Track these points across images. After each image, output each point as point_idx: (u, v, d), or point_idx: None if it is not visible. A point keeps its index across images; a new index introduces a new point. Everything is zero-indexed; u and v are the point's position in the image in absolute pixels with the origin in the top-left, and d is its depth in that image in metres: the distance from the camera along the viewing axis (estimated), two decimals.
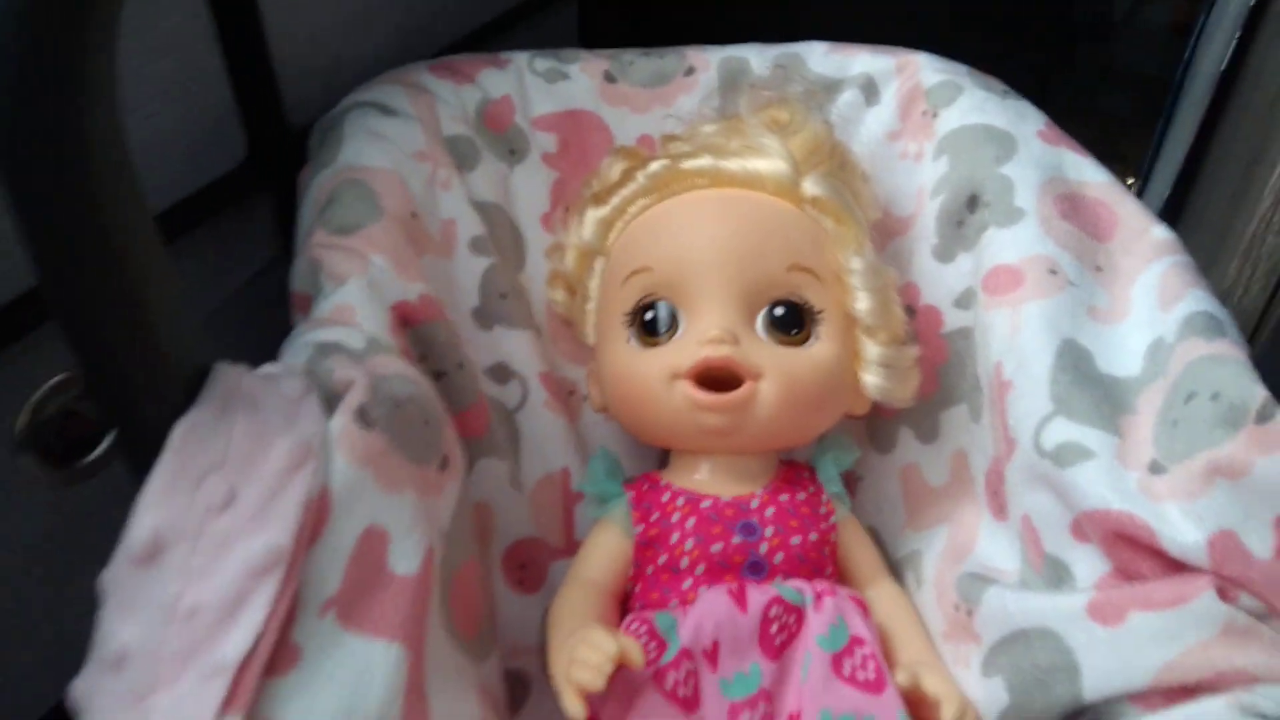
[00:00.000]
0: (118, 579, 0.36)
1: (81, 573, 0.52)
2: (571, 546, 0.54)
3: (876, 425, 0.57)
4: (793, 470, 0.52)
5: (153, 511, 0.35)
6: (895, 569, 0.53)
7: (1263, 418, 0.38)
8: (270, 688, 0.35)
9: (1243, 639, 0.37)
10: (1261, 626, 0.38)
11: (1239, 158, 0.63)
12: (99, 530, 0.46)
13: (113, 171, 0.31)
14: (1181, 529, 0.39)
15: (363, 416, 0.39)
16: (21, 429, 0.50)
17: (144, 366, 0.36)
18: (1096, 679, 0.40)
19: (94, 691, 0.36)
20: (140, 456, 0.36)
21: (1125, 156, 0.90)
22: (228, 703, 0.34)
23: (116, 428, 0.38)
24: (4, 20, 0.28)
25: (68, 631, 0.52)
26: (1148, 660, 0.38)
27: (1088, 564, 0.43)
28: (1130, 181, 0.88)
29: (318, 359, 0.42)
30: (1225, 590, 0.38)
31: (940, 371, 0.54)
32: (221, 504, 0.36)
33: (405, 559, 0.40)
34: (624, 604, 0.50)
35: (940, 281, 0.55)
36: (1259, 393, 0.39)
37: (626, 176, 0.53)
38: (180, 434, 0.36)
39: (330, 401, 0.40)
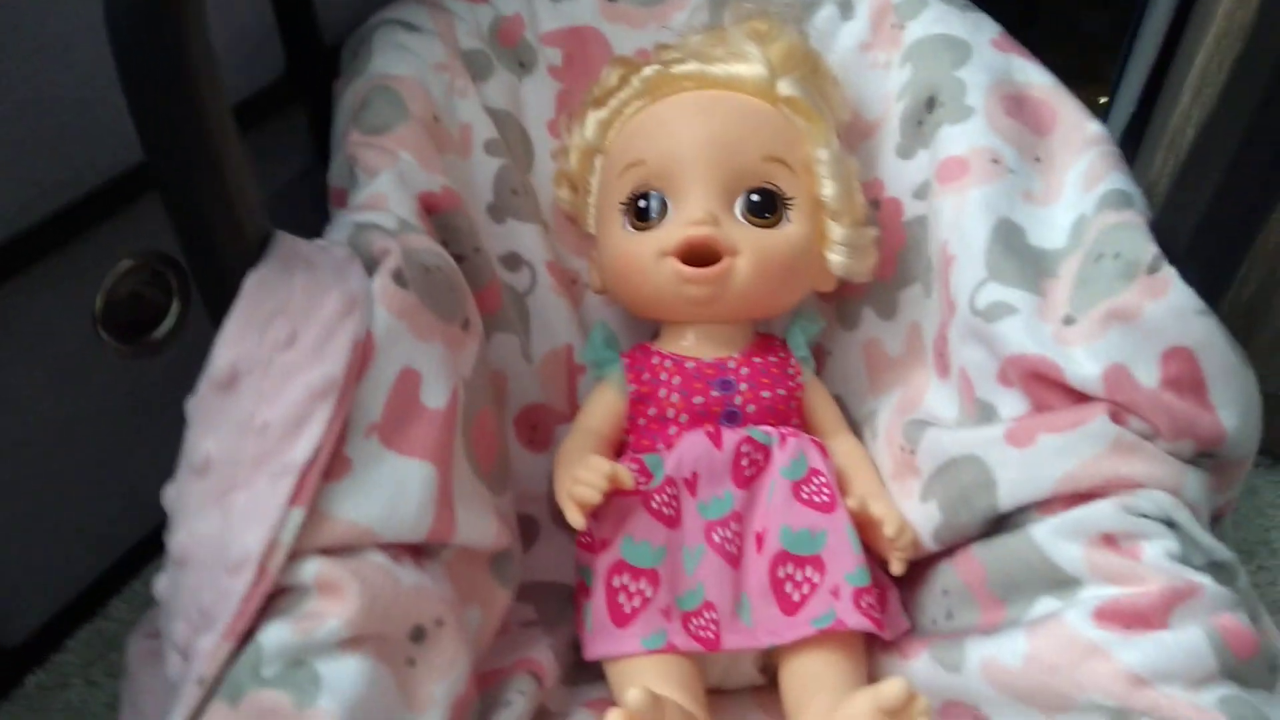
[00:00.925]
0: (202, 402, 0.44)
1: (150, 435, 0.60)
2: (574, 412, 0.62)
3: (843, 305, 0.64)
4: (767, 339, 0.60)
5: (230, 347, 0.43)
6: (856, 427, 0.61)
7: (1153, 269, 0.45)
8: (327, 490, 0.43)
9: (1129, 452, 0.45)
10: (1146, 444, 0.45)
11: (1177, 76, 0.68)
12: (165, 399, 0.54)
13: (202, 59, 0.39)
14: (1083, 365, 0.46)
15: (398, 278, 0.47)
16: (99, 308, 0.58)
17: (224, 228, 0.43)
18: (1009, 491, 0.47)
19: (183, 493, 0.44)
20: (219, 305, 0.44)
21: (1103, 77, 0.96)
22: (294, 497, 0.42)
23: (200, 282, 0.46)
24: None
25: (139, 482, 0.60)
26: (1050, 471, 0.46)
27: (1010, 405, 0.50)
28: (1103, 100, 0.93)
29: (358, 234, 0.49)
30: (1118, 414, 0.46)
31: (899, 255, 0.61)
32: (286, 342, 0.44)
33: (435, 395, 0.47)
34: (619, 452, 0.58)
35: (902, 176, 0.61)
36: (1151, 249, 0.46)
37: (623, 81, 0.59)
38: (252, 284, 0.44)
39: (370, 266, 0.48)
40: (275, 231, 0.46)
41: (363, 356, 0.45)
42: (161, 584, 0.45)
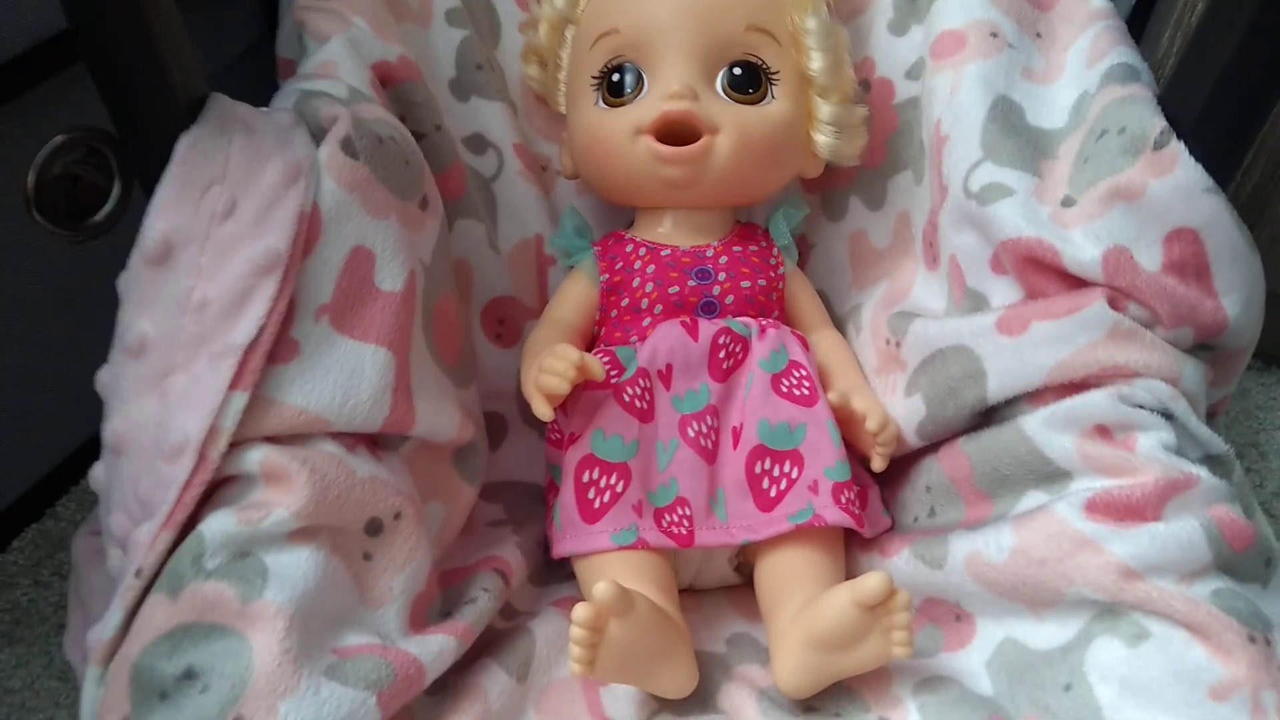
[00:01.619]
0: (135, 278, 0.40)
1: (94, 324, 0.57)
2: (544, 306, 0.59)
3: (829, 195, 0.61)
4: (748, 228, 0.56)
5: (163, 217, 0.40)
6: (839, 323, 0.58)
7: (1159, 144, 0.42)
8: (273, 374, 0.40)
9: (1126, 340, 0.43)
10: (1144, 330, 0.43)
11: None
12: (108, 288, 0.50)
13: None
14: (1081, 248, 0.43)
15: (348, 147, 0.43)
16: (31, 188, 0.54)
17: (153, 88, 0.39)
18: (999, 381, 0.45)
19: (118, 376, 0.41)
20: (151, 172, 0.41)
21: None
22: (235, 380, 0.39)
23: (131, 149, 0.42)
24: None
25: (84, 376, 0.57)
26: (1043, 360, 0.44)
27: (1003, 293, 0.47)
28: None
29: (304, 101, 0.45)
30: (1116, 300, 0.43)
31: (889, 141, 0.57)
32: (224, 212, 0.40)
33: (390, 277, 0.44)
34: (590, 345, 0.55)
35: (894, 54, 0.58)
36: (1158, 123, 0.43)
37: None
38: (184, 148, 0.40)
39: (317, 135, 0.44)
40: (211, 93, 0.42)
41: (309, 231, 0.41)
42: (98, 473, 0.42)
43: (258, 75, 0.61)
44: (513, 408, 0.59)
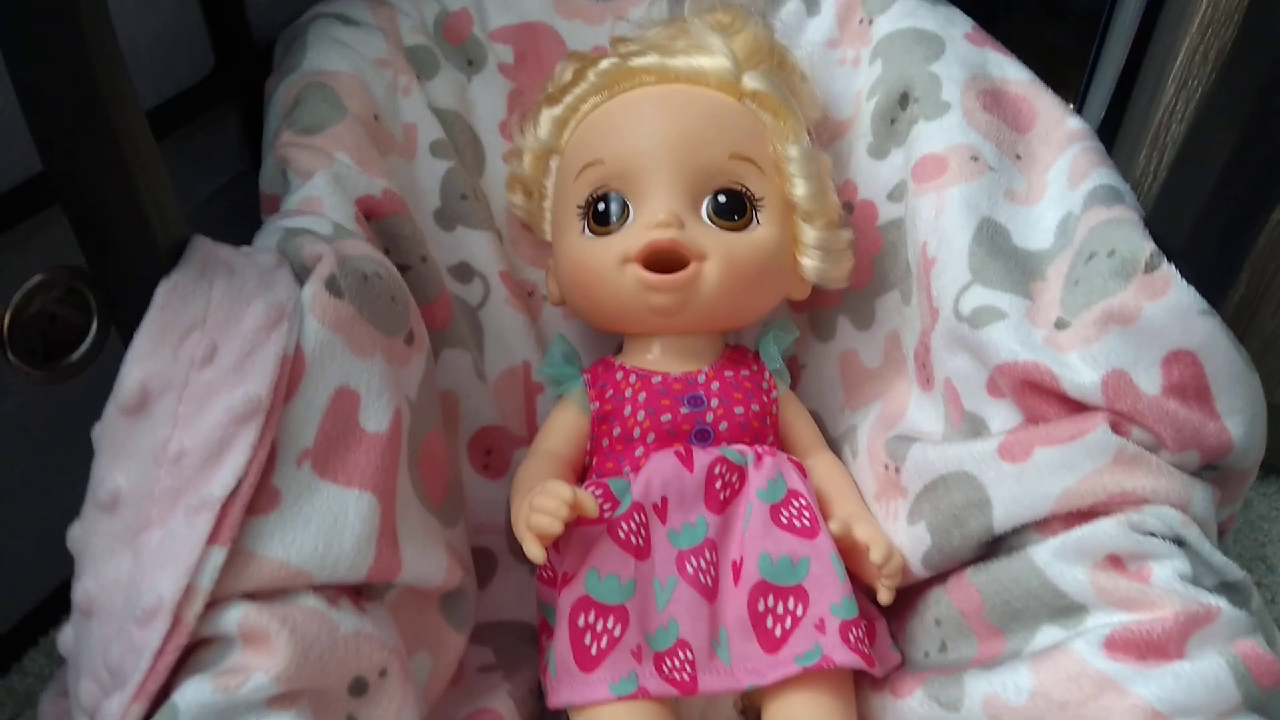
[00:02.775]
0: (109, 428, 0.39)
1: (66, 466, 0.55)
2: (533, 434, 0.57)
3: (817, 316, 0.60)
4: (738, 352, 0.56)
5: (140, 364, 0.39)
6: (834, 445, 0.57)
7: (1150, 267, 0.42)
8: (253, 526, 0.38)
9: (1132, 466, 0.42)
10: (1150, 455, 0.42)
11: (1154, 68, 0.66)
12: (84, 427, 0.48)
13: (104, 54, 0.34)
14: (1080, 371, 0.42)
15: (332, 286, 0.42)
16: (5, 327, 0.52)
17: (131, 232, 0.39)
18: (1005, 510, 0.44)
19: (89, 533, 0.39)
20: (129, 320, 0.39)
21: (1069, 85, 0.94)
22: (213, 535, 0.37)
23: (108, 294, 0.41)
24: None
25: (54, 521, 0.55)
26: (1049, 488, 0.42)
27: (1001, 417, 0.47)
28: (1070, 106, 0.92)
29: (287, 240, 0.45)
30: (1118, 424, 0.42)
31: (875, 261, 0.58)
32: (204, 358, 0.39)
33: (375, 418, 0.43)
34: (581, 476, 0.54)
35: (875, 177, 0.58)
36: (1148, 246, 0.43)
37: (578, 76, 0.55)
38: (163, 293, 0.39)
39: (301, 274, 0.43)
40: (192, 235, 0.41)
41: (292, 375, 0.40)
42: (66, 637, 0.40)
43: (239, 208, 0.61)
44: (501, 542, 0.57)
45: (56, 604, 0.60)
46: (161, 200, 0.39)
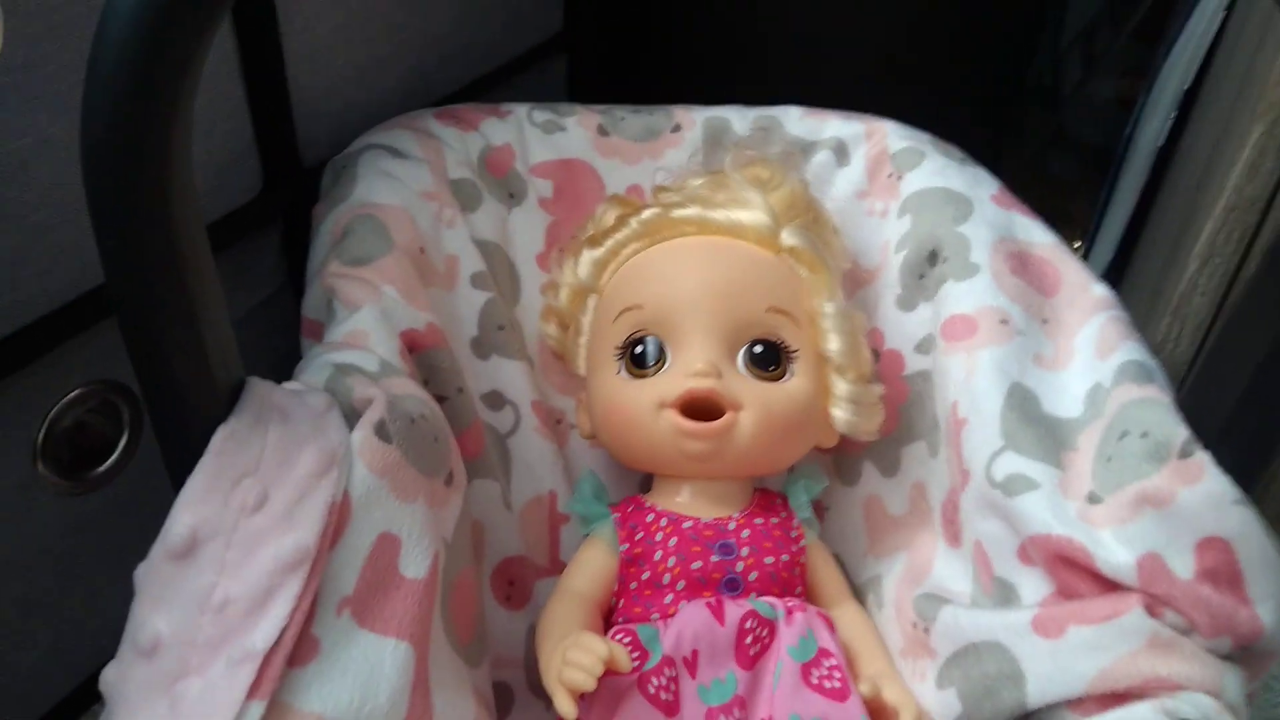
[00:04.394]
0: (153, 572, 0.39)
1: (89, 575, 0.54)
2: (556, 566, 0.58)
3: (842, 459, 0.61)
4: (767, 497, 0.56)
5: (191, 510, 0.38)
6: (858, 592, 0.57)
7: (1185, 454, 0.43)
8: (291, 678, 0.38)
9: (1166, 650, 0.42)
10: (1184, 640, 0.42)
11: (1170, 226, 0.69)
12: (108, 537, 0.48)
13: (183, 189, 0.35)
14: (1114, 551, 0.43)
15: (381, 430, 0.43)
16: (39, 440, 0.52)
17: (193, 375, 0.39)
18: (1039, 686, 0.44)
19: (126, 678, 0.38)
20: (181, 459, 0.40)
21: (1073, 219, 0.97)
22: (254, 688, 0.37)
23: (162, 431, 0.42)
24: (112, 31, 0.31)
25: (72, 630, 0.53)
26: (1083, 668, 0.43)
27: (1033, 585, 0.47)
28: (1077, 245, 0.95)
29: (338, 378, 0.45)
30: (1152, 607, 0.43)
31: (901, 410, 0.59)
32: (255, 505, 0.39)
33: (415, 564, 0.43)
34: (607, 618, 0.53)
35: (903, 328, 0.60)
36: (1182, 432, 0.44)
37: (621, 222, 0.57)
38: (220, 440, 0.39)
39: (350, 416, 0.44)
40: (248, 378, 0.42)
41: (338, 521, 0.40)
42: None
43: (273, 326, 0.62)
44: (519, 676, 0.56)
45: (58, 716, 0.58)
46: (223, 340, 0.40)
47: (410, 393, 0.47)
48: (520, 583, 0.57)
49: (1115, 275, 0.83)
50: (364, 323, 0.50)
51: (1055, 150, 1.14)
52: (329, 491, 0.40)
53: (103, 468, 0.55)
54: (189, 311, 0.37)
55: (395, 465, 0.43)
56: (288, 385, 0.44)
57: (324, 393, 0.44)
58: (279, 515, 0.39)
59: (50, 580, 0.54)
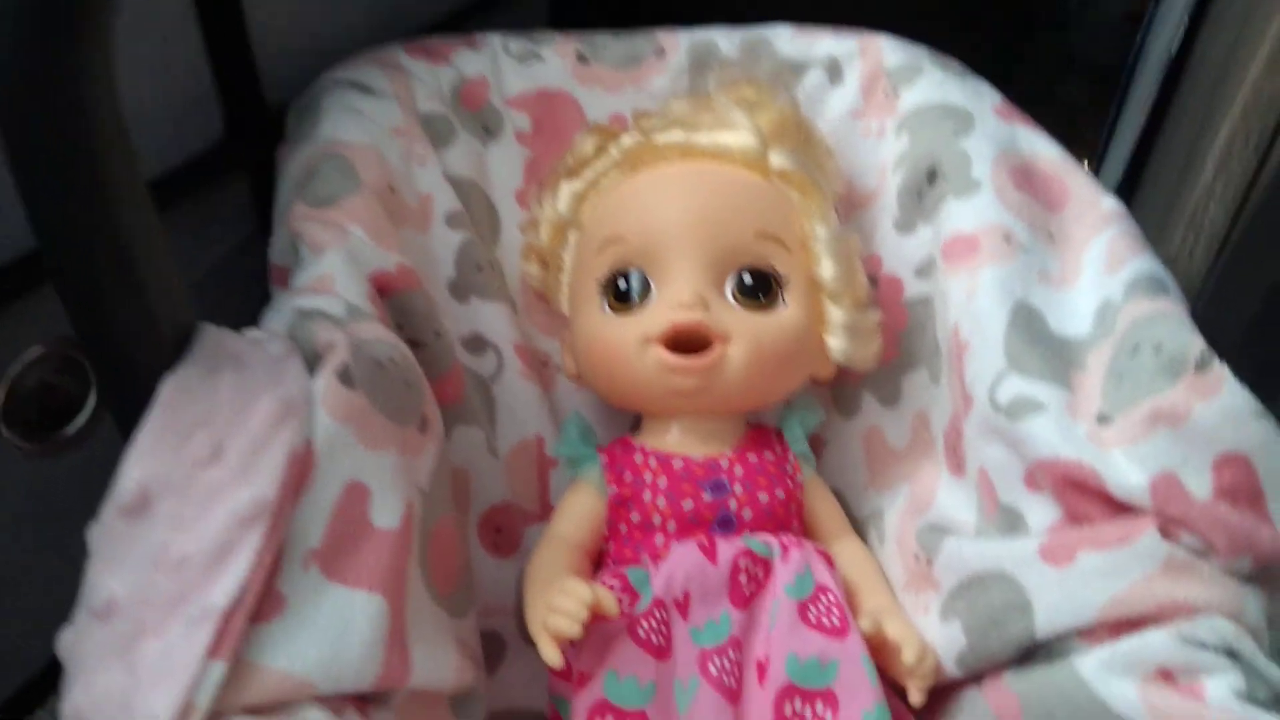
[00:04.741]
0: (106, 531, 0.37)
1: (62, 541, 0.52)
2: (546, 511, 0.56)
3: (841, 391, 0.59)
4: (761, 432, 0.54)
5: (141, 464, 0.37)
6: (859, 527, 0.55)
7: (1201, 367, 0.40)
8: (256, 634, 0.36)
9: (1183, 574, 0.40)
10: (1200, 562, 0.40)
11: (1185, 137, 0.65)
12: (79, 500, 0.46)
13: (108, 132, 0.32)
14: (1126, 473, 0.41)
15: (345, 376, 0.41)
16: (1, 401, 0.51)
17: (135, 324, 0.37)
18: (1048, 615, 0.42)
19: (82, 640, 0.37)
20: (129, 413, 0.38)
21: (1083, 140, 0.93)
22: (214, 647, 0.35)
23: (107, 385, 0.40)
24: None
25: (49, 597, 0.52)
26: (1095, 595, 0.40)
27: (1040, 512, 0.45)
28: (1085, 163, 0.91)
29: (300, 324, 0.43)
30: (1167, 529, 0.40)
31: (901, 337, 0.56)
32: (209, 457, 0.37)
33: (386, 513, 0.41)
34: (597, 562, 0.52)
35: (901, 252, 0.57)
36: (1197, 343, 0.41)
37: (600, 150, 0.54)
38: (168, 390, 0.37)
39: (313, 362, 0.41)
40: (199, 324, 0.40)
41: (300, 472, 0.38)
42: None
43: (245, 275, 0.59)
44: (510, 625, 0.54)
45: (30, 695, 0.57)
46: (167, 287, 0.38)
47: (378, 337, 0.44)
48: (508, 530, 0.55)
49: (1126, 194, 0.80)
50: (330, 266, 0.47)
51: (1064, 73, 1.09)
52: (288, 441, 0.38)
53: (71, 429, 0.53)
54: (124, 255, 0.35)
55: (361, 412, 0.41)
56: (247, 333, 0.42)
57: (283, 338, 0.42)
58: (235, 467, 0.37)
59: (23, 548, 0.53)
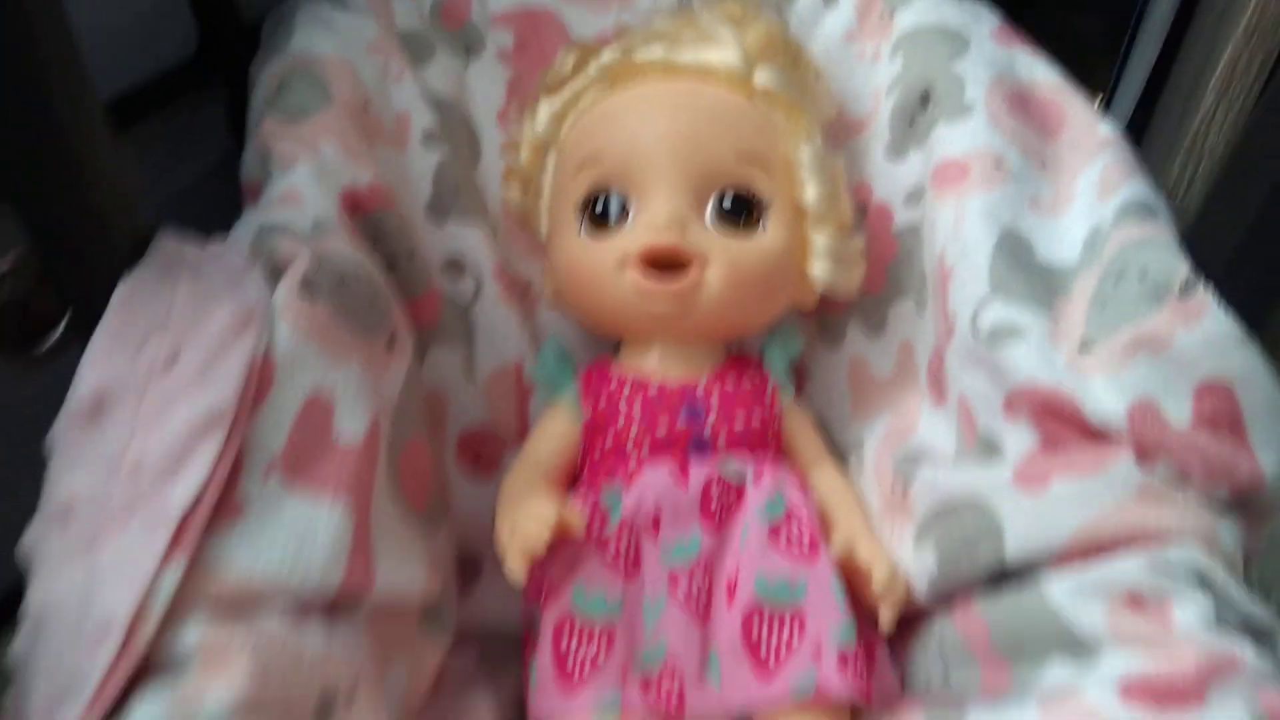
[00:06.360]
0: (64, 434, 0.37)
1: (36, 464, 0.52)
2: (525, 437, 0.55)
3: (826, 321, 0.58)
4: (740, 360, 0.53)
5: (97, 369, 0.36)
6: (839, 457, 0.54)
7: (1185, 292, 0.39)
8: (214, 541, 0.36)
9: (1157, 501, 0.39)
10: (1175, 491, 0.39)
11: (1192, 68, 0.63)
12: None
13: (52, 39, 0.32)
14: (1104, 399, 0.40)
15: (306, 288, 0.40)
16: None
17: (87, 232, 0.36)
18: (1018, 541, 0.41)
19: (43, 541, 0.37)
20: (88, 321, 0.37)
21: (1095, 77, 0.91)
22: (170, 551, 0.35)
23: (65, 294, 0.39)
24: None
25: (17, 522, 0.52)
26: (1066, 522, 0.40)
27: (1017, 440, 0.44)
28: (1098, 99, 0.89)
29: (262, 237, 0.42)
30: (1143, 457, 0.39)
31: (889, 268, 0.55)
32: (165, 363, 0.37)
33: (350, 426, 0.41)
34: (572, 483, 0.51)
35: (892, 179, 0.55)
36: (1182, 268, 0.40)
37: (579, 67, 0.53)
38: (122, 295, 0.37)
39: (275, 275, 0.41)
40: (157, 232, 0.39)
41: (260, 382, 0.38)
42: (18, 647, 0.38)
43: (226, 195, 0.59)
44: (489, 545, 0.54)
45: (8, 607, 0.58)
46: (120, 193, 0.37)
47: (343, 252, 0.44)
48: (488, 453, 0.55)
49: (1136, 130, 0.78)
50: (299, 181, 0.46)
51: (1077, 8, 1.06)
52: (247, 350, 0.37)
53: (50, 342, 0.53)
54: (71, 161, 0.35)
55: (323, 325, 0.40)
56: (207, 245, 0.41)
57: (244, 249, 0.41)
58: (192, 374, 0.37)
59: (3, 464, 0.53)
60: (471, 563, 0.54)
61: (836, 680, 0.42)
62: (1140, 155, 0.51)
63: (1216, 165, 0.52)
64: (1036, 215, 0.48)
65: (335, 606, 0.40)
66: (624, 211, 0.50)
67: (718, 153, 0.49)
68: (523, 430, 0.56)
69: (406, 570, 0.43)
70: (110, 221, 0.36)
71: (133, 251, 0.38)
